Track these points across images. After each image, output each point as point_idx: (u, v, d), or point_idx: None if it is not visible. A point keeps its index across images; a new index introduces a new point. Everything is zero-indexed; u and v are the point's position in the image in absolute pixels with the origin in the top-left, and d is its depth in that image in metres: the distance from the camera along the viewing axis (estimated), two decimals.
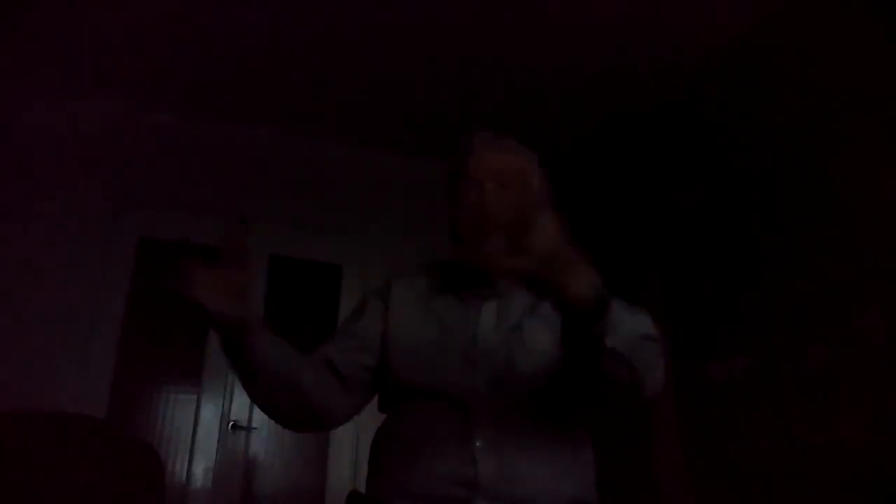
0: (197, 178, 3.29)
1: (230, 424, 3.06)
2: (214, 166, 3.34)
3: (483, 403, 1.11)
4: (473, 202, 1.21)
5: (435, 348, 1.19)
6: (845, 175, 2.20)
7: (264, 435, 3.09)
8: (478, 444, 1.07)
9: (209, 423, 3.03)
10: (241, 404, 3.10)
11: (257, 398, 1.16)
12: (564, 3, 2.59)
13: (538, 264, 0.88)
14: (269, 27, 2.76)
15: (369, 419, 1.30)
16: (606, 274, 1.28)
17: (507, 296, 1.25)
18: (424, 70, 3.02)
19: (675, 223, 2.96)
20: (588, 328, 0.95)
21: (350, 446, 3.09)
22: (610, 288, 1.27)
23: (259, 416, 3.11)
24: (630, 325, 0.98)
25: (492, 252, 1.14)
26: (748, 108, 2.66)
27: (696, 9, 2.57)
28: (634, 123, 3.22)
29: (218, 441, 3.02)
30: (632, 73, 2.96)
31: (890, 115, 2.07)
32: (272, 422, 1.22)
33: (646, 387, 1.03)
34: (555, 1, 2.58)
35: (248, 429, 3.08)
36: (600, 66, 2.93)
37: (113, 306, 3.02)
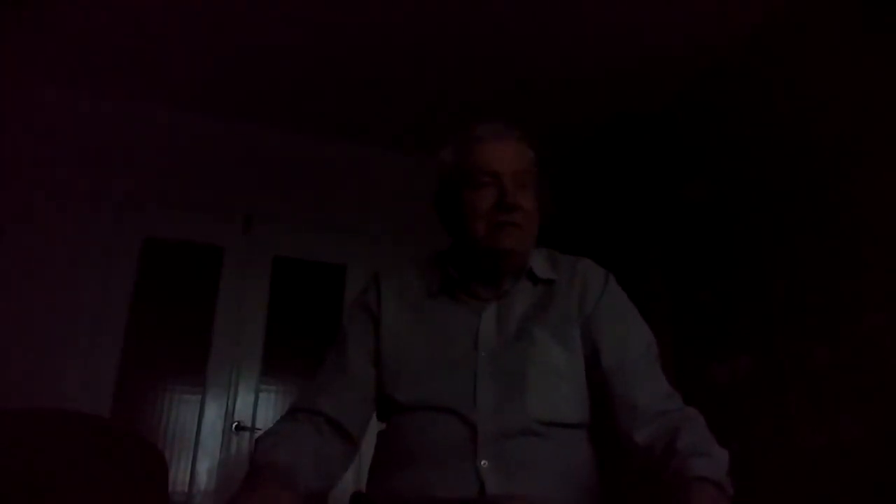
0: (201, 178, 3.30)
1: (234, 425, 3.06)
2: (219, 166, 3.35)
3: (489, 420, 1.06)
4: (492, 197, 1.13)
5: (436, 364, 1.13)
6: (852, 174, 2.19)
7: None
8: (483, 463, 1.02)
9: (213, 424, 3.04)
10: (244, 404, 3.10)
11: None
12: (573, 1, 2.59)
13: None
14: (272, 26, 2.76)
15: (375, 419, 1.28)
16: (611, 270, 1.28)
17: (509, 297, 1.19)
18: (429, 68, 3.02)
19: (680, 221, 2.96)
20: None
21: None
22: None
23: (263, 417, 3.11)
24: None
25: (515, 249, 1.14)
26: (755, 106, 2.66)
27: (706, 5, 2.57)
28: (642, 121, 3.21)
29: (222, 441, 3.02)
30: (640, 70, 2.96)
31: None
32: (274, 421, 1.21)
33: None
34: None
35: (252, 429, 3.08)
36: (608, 62, 2.93)
37: (117, 306, 3.03)
